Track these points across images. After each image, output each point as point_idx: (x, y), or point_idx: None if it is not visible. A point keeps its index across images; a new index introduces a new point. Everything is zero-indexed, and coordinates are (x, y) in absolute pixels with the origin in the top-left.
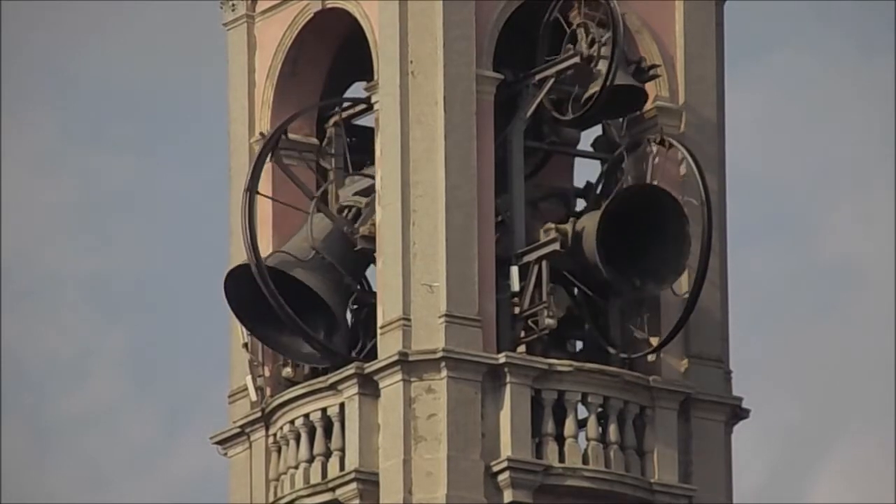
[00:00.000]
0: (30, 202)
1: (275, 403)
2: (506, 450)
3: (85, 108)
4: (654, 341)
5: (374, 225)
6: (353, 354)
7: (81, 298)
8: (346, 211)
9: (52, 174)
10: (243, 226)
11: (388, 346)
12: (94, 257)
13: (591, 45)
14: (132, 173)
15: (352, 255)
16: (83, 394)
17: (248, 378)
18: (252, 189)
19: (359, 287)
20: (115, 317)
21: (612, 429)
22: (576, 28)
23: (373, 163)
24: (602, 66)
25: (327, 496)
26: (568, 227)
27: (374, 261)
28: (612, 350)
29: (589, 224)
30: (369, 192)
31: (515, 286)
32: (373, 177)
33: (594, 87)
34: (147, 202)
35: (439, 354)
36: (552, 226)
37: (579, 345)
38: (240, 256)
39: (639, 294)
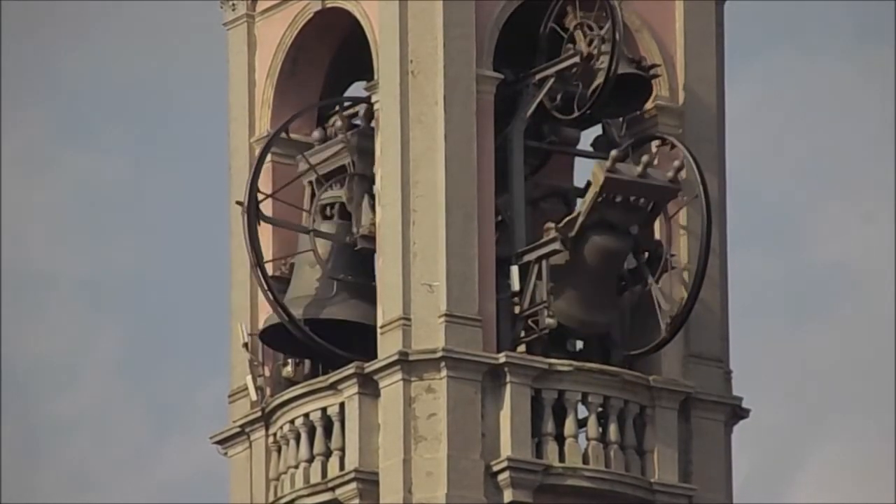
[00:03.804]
0: (26, 202)
1: (275, 403)
2: (506, 449)
3: (83, 108)
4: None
5: (373, 224)
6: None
7: (75, 299)
8: (328, 209)
9: (51, 174)
10: (247, 245)
11: (387, 345)
12: (89, 258)
13: (590, 43)
14: (131, 173)
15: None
16: (75, 394)
17: (249, 378)
18: (252, 191)
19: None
20: (109, 317)
21: (613, 428)
22: (573, 31)
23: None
24: (603, 61)
25: (327, 496)
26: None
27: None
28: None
29: (588, 253)
30: (341, 178)
31: (515, 286)
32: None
33: (598, 80)
34: (146, 203)
35: (439, 354)
36: (552, 225)
37: (579, 344)
38: (240, 257)
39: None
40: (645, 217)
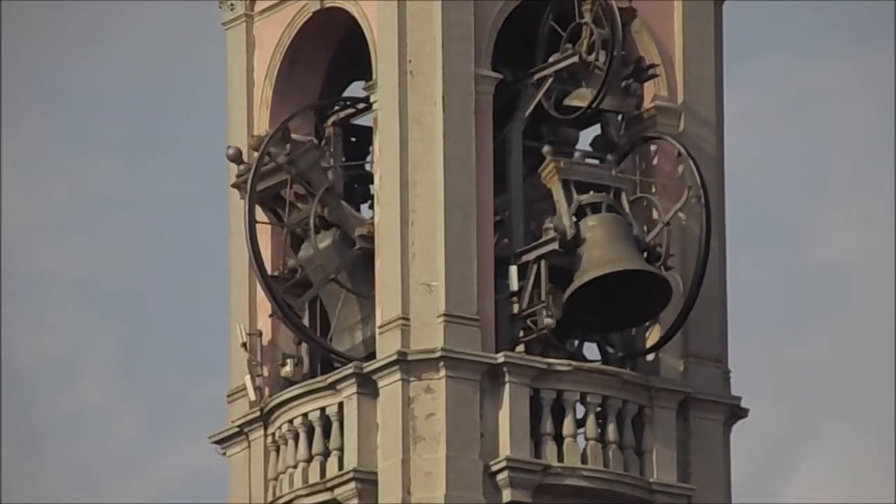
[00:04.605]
0: (25, 203)
1: (273, 403)
2: (504, 449)
3: (82, 109)
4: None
5: (371, 226)
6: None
7: (75, 299)
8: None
9: (51, 174)
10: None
11: (386, 345)
12: (89, 258)
13: (590, 50)
14: (130, 174)
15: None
16: (75, 394)
17: (247, 378)
18: (252, 193)
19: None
20: (109, 317)
21: (611, 428)
22: (583, 25)
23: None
24: (598, 76)
25: (326, 496)
26: (569, 227)
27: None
28: (610, 349)
29: (591, 232)
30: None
31: (514, 286)
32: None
33: (580, 101)
34: (145, 203)
35: (438, 354)
36: (551, 225)
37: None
38: (239, 257)
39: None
40: (617, 197)
